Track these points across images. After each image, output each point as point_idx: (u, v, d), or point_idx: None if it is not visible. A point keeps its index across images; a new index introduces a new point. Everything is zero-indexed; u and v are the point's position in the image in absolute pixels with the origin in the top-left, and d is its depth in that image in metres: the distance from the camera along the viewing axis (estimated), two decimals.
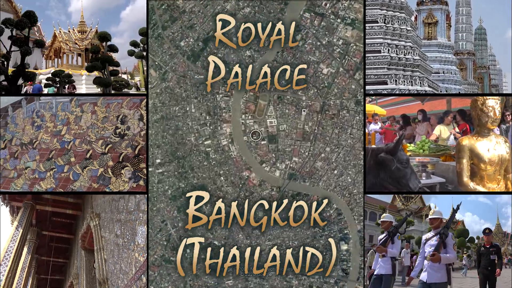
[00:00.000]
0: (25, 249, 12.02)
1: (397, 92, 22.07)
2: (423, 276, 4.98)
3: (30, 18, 13.95)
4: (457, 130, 7.54)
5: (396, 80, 23.26)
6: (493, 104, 4.87)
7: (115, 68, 20.86)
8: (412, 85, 23.57)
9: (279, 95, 4.71)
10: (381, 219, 6.06)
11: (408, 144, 7.31)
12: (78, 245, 12.17)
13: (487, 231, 6.61)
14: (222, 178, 4.69)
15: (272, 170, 4.68)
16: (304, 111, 4.68)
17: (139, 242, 5.86)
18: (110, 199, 7.91)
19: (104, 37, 19.60)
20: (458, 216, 13.78)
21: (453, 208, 5.20)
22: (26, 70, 13.99)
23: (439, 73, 33.74)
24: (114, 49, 20.75)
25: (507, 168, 4.98)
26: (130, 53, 22.51)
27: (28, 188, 5.33)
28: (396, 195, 10.85)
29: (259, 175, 4.67)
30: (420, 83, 23.79)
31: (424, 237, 5.26)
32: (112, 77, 19.11)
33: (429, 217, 5.27)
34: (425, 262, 4.99)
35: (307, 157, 4.68)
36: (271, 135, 4.70)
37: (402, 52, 23.96)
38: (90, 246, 10.47)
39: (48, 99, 6.06)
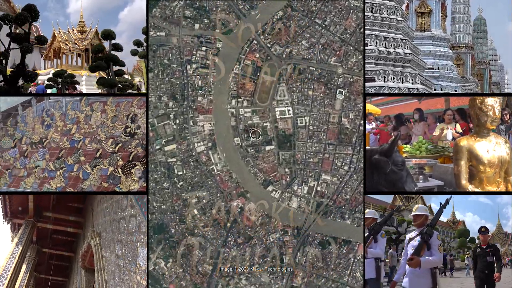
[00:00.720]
0: (24, 267, 12.12)
1: (386, 91, 20.45)
2: (405, 282, 4.51)
3: (31, 13, 12.96)
4: (458, 129, 7.51)
5: (384, 77, 21.15)
6: (493, 103, 4.78)
7: (119, 67, 20.56)
8: (402, 82, 21.44)
9: (296, 64, 2.78)
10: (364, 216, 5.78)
11: (404, 145, 7.28)
12: (78, 264, 12.23)
13: (483, 230, 6.19)
14: (195, 211, 2.94)
15: (286, 198, 2.99)
16: (340, 92, 2.92)
17: (141, 265, 5.84)
18: (111, 219, 7.97)
19: (108, 35, 19.15)
20: (458, 217, 13.77)
21: (441, 204, 4.81)
22: (26, 70, 13.75)
23: (433, 69, 31.84)
24: (118, 47, 20.10)
25: (507, 170, 4.90)
26: (133, 53, 22.37)
27: (38, 187, 5.45)
28: (396, 195, 10.85)
29: (261, 207, 2.95)
30: (412, 80, 21.73)
31: (407, 236, 4.82)
32: (116, 77, 18.91)
33: (412, 213, 4.83)
34: (407, 266, 4.54)
35: (347, 174, 2.93)
36: (283, 135, 3.06)
37: (391, 45, 21.82)
38: (91, 265, 10.54)
39: (57, 98, 6.19)
